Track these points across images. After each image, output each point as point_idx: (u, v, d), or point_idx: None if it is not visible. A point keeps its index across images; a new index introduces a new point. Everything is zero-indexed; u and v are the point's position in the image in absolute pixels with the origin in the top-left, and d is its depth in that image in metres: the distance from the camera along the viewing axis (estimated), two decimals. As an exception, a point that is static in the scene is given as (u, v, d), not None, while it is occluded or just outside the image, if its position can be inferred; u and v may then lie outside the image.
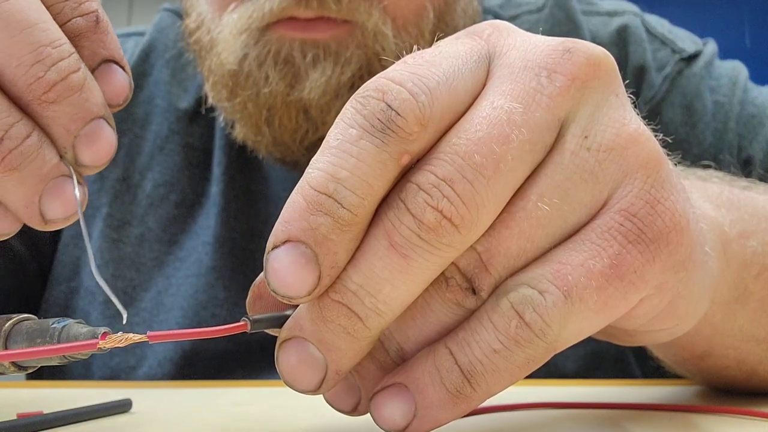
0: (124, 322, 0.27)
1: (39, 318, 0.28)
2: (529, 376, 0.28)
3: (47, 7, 0.28)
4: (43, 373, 0.62)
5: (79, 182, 0.28)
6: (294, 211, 0.24)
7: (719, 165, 0.51)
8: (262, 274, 0.26)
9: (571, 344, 0.26)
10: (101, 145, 0.28)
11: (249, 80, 0.52)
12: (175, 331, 0.25)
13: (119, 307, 0.26)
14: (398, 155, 0.24)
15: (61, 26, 0.28)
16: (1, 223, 0.29)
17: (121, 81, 0.29)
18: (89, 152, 0.28)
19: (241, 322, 0.26)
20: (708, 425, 0.33)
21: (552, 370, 0.56)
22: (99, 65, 0.29)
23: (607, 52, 0.28)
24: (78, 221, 0.28)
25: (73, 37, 0.28)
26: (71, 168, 0.28)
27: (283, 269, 0.24)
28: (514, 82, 0.26)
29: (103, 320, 0.61)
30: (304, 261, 0.24)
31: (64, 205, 0.28)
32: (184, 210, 0.64)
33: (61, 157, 0.28)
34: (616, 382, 0.52)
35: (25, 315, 0.28)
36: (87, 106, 0.28)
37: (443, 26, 0.54)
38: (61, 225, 0.28)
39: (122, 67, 0.30)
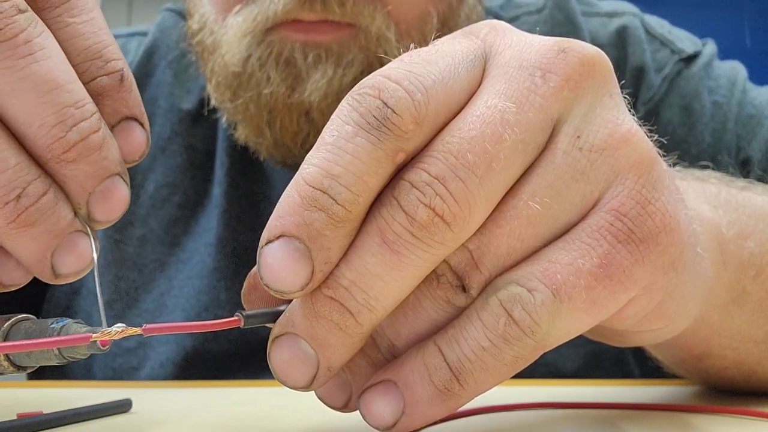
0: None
1: (40, 319, 0.28)
2: (529, 376, 0.28)
3: (74, 65, 0.28)
4: (43, 373, 0.62)
5: (93, 237, 0.28)
6: (288, 206, 0.25)
7: (717, 165, 0.51)
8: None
9: (560, 343, 0.27)
10: (114, 202, 0.28)
11: (251, 81, 0.52)
12: (170, 324, 0.25)
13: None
14: (393, 153, 0.25)
15: (85, 84, 0.28)
16: (11, 275, 0.29)
17: (138, 139, 0.29)
18: (102, 209, 0.28)
19: (235, 317, 0.26)
20: (707, 425, 0.33)
21: (552, 370, 0.56)
22: (119, 122, 0.29)
23: (602, 52, 0.28)
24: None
25: (96, 96, 0.28)
26: (86, 225, 0.28)
27: (277, 263, 0.24)
28: (508, 82, 0.26)
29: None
30: (297, 256, 0.24)
31: (76, 261, 0.28)
32: (187, 211, 0.64)
33: (75, 213, 0.28)
34: (616, 382, 0.52)
35: (24, 315, 0.28)
36: (104, 165, 0.28)
37: (446, 31, 0.54)
38: (71, 279, 0.28)
39: (141, 125, 0.30)
